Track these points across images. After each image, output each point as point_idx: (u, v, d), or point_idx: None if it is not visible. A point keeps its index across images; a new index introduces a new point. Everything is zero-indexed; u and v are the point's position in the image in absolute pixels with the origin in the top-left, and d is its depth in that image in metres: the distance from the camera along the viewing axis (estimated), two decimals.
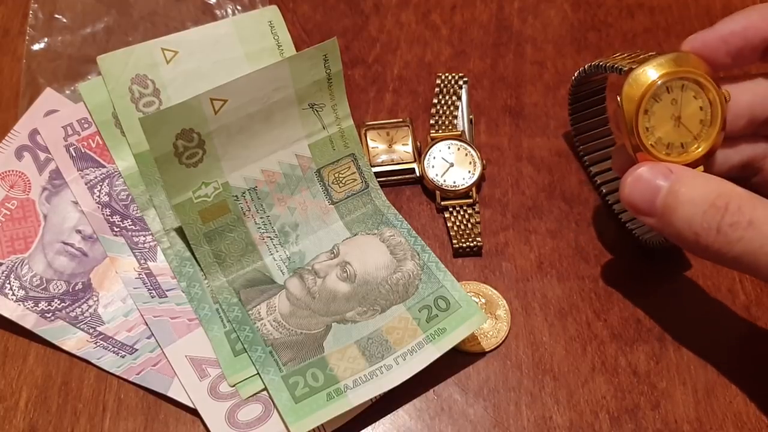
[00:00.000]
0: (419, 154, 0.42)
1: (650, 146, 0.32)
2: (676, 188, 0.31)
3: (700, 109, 0.33)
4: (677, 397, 0.36)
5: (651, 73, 0.32)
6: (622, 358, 0.37)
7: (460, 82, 0.43)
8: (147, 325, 0.37)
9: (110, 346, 0.37)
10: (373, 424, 0.35)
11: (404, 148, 0.42)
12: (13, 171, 0.40)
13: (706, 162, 0.33)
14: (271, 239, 0.39)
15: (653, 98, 0.32)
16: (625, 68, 0.33)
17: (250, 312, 0.37)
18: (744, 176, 0.36)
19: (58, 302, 0.37)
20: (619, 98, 0.32)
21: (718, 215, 0.30)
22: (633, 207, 0.32)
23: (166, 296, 0.38)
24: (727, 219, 0.30)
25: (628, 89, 0.32)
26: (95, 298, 0.38)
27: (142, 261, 0.39)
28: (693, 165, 0.33)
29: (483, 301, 0.38)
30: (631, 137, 0.33)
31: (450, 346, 0.35)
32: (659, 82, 0.32)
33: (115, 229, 0.39)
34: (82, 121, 0.41)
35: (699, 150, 0.33)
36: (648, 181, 0.32)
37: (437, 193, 0.41)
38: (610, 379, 0.36)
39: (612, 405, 0.36)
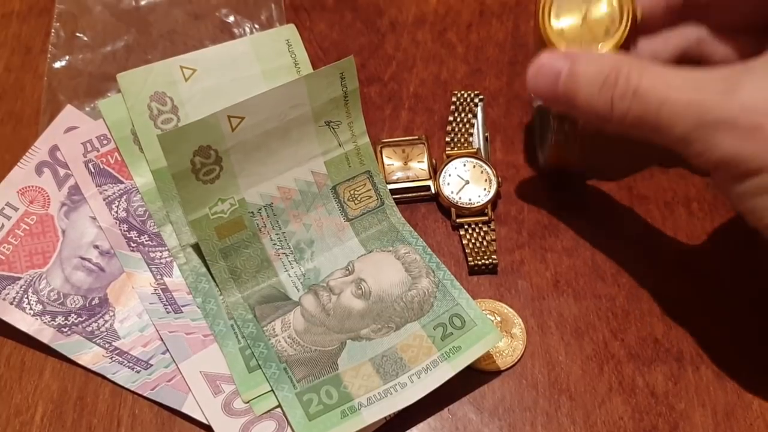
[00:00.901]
0: (435, 171, 0.42)
1: (556, 34, 0.34)
2: (573, 69, 0.31)
3: (608, 13, 0.33)
4: (696, 419, 0.35)
5: None
6: (640, 378, 0.36)
7: (476, 100, 0.43)
8: (162, 340, 0.37)
9: (125, 361, 0.37)
10: None
11: (420, 166, 0.42)
12: (33, 186, 0.41)
13: None
14: (287, 255, 0.39)
15: None
16: None
17: (264, 328, 0.37)
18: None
19: (75, 317, 0.38)
20: None
21: (611, 89, 0.30)
22: (538, 94, 0.33)
23: (182, 312, 0.38)
24: (618, 91, 0.30)
25: None
26: (111, 313, 0.38)
27: (158, 276, 0.39)
28: None
29: (498, 319, 0.38)
30: (535, 29, 0.34)
31: (465, 365, 0.35)
32: None
33: (132, 245, 0.40)
34: (102, 137, 0.42)
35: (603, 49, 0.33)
36: (549, 66, 0.32)
37: (452, 210, 0.41)
38: (627, 399, 0.36)
39: (629, 426, 0.35)
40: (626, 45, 0.34)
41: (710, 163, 0.29)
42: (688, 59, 0.36)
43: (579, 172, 0.39)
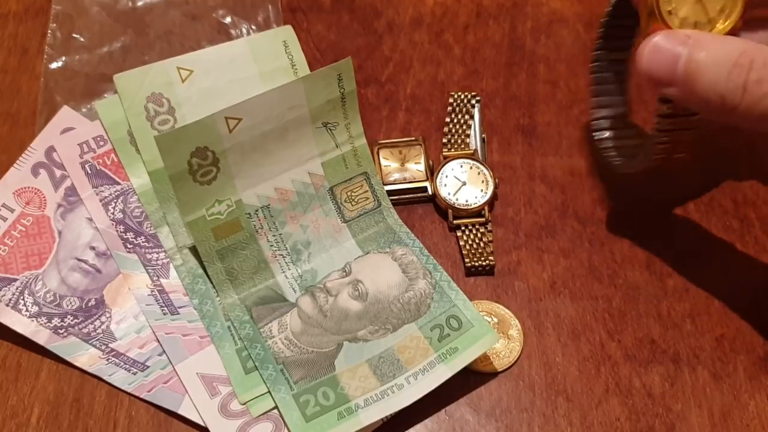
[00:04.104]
0: (432, 172, 0.42)
1: (668, 12, 0.31)
2: (695, 53, 0.29)
3: None
4: (692, 420, 0.35)
5: None
6: (637, 379, 0.37)
7: (473, 101, 0.44)
8: (159, 342, 0.37)
9: (122, 363, 0.37)
10: None
11: (417, 167, 0.42)
12: (29, 188, 0.40)
13: None
14: (284, 257, 0.39)
15: None
16: None
17: (261, 330, 0.37)
18: None
19: (71, 318, 0.38)
20: None
21: (744, 73, 0.28)
22: (652, 78, 0.31)
23: (178, 313, 0.38)
24: (753, 75, 0.28)
25: None
26: (108, 315, 0.38)
27: (155, 278, 0.39)
28: None
29: (495, 320, 0.38)
30: (651, 18, 0.31)
31: (462, 366, 0.35)
32: None
33: (129, 246, 0.39)
34: (98, 138, 0.42)
35: (718, 28, 0.31)
36: (666, 49, 0.30)
37: (449, 211, 0.41)
38: (624, 400, 0.36)
39: (626, 427, 0.35)
40: (738, 29, 0.31)
41: None
42: None
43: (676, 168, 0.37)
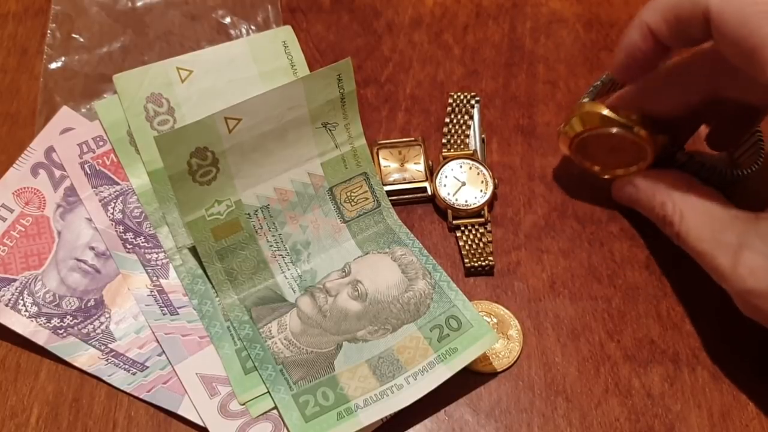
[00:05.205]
0: (431, 172, 0.42)
1: (589, 163, 0.41)
2: (637, 196, 0.39)
3: (632, 148, 0.38)
4: (692, 420, 0.35)
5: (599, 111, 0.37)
6: (636, 379, 0.37)
7: (472, 101, 0.44)
8: (158, 342, 0.37)
9: (121, 363, 0.37)
10: None
11: (416, 167, 0.42)
12: (28, 188, 0.40)
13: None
14: (283, 257, 0.39)
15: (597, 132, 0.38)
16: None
17: (261, 330, 0.37)
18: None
19: (71, 319, 0.38)
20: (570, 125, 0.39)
21: (660, 218, 0.37)
22: (622, 203, 0.41)
23: (178, 313, 0.38)
24: (666, 229, 0.37)
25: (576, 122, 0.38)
26: (107, 315, 0.38)
27: (155, 278, 0.39)
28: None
29: (495, 320, 0.38)
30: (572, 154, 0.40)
31: (461, 366, 0.35)
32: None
33: (128, 246, 0.39)
34: (98, 138, 0.42)
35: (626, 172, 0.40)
36: (621, 190, 0.40)
37: (449, 211, 0.41)
38: (623, 401, 0.36)
39: (626, 427, 0.35)
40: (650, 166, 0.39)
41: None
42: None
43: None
